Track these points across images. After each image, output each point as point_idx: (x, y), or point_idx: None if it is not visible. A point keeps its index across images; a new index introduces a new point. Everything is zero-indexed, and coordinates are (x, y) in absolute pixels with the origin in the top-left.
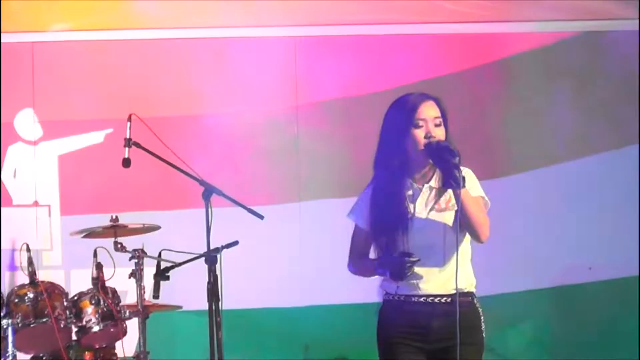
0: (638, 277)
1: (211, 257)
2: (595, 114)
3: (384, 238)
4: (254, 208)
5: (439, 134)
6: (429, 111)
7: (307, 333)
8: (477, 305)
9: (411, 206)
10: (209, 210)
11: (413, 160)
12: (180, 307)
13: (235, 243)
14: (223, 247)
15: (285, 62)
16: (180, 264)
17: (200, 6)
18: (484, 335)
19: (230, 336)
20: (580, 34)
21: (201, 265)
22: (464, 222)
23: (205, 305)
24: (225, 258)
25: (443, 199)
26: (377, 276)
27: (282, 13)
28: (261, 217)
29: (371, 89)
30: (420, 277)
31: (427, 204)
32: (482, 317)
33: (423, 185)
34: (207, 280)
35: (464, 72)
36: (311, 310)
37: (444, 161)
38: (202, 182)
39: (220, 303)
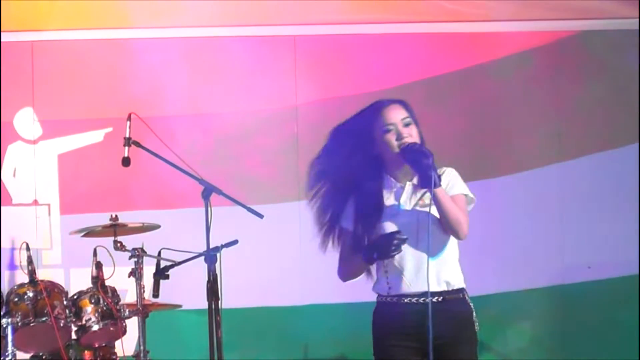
0: (638, 276)
1: (211, 256)
2: (595, 112)
3: (368, 235)
4: (254, 207)
5: (412, 133)
6: (395, 114)
7: (306, 332)
8: (468, 300)
9: (395, 202)
10: (209, 209)
11: (392, 162)
12: (180, 306)
13: (235, 242)
14: (223, 246)
15: (285, 61)
16: (179, 263)
17: (200, 5)
18: (477, 329)
19: (230, 335)
20: (580, 33)
21: (201, 264)
22: (441, 221)
23: (204, 304)
24: (224, 257)
25: (427, 195)
26: (365, 276)
27: (282, 12)
28: (261, 216)
29: (371, 88)
30: (402, 272)
31: (411, 201)
32: (474, 313)
33: (405, 183)
34: (206, 279)
35: (463, 71)
36: (311, 309)
37: (418, 163)
38: (201, 181)
39: (219, 302)
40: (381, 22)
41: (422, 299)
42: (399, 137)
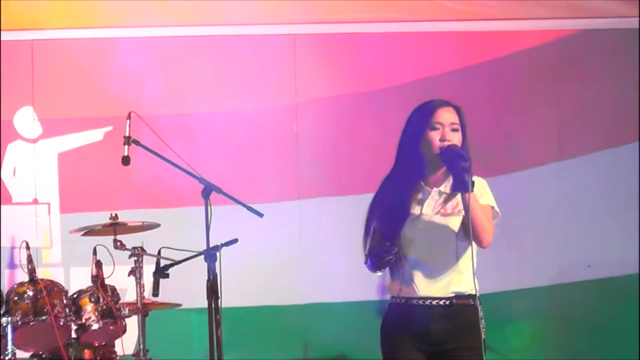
0: (638, 274)
1: (211, 255)
2: (595, 111)
3: (388, 235)
4: (254, 206)
5: (455, 139)
6: (446, 116)
7: (306, 331)
8: (479, 307)
9: (418, 208)
10: (209, 208)
11: (428, 162)
12: (179, 305)
13: (235, 241)
14: (222, 245)
15: (285, 60)
16: (179, 262)
17: (200, 5)
18: (484, 337)
19: (230, 334)
20: (581, 31)
21: (201, 263)
22: (468, 226)
23: (204, 303)
24: (224, 256)
25: (450, 204)
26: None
27: (281, 11)
28: (260, 215)
29: (370, 87)
30: (417, 275)
31: (434, 208)
32: (482, 320)
33: (433, 189)
34: (206, 278)
35: (463, 70)
36: (311, 309)
37: (455, 164)
38: (201, 180)
39: (219, 301)
40: (381, 21)
41: (429, 301)
42: (443, 138)
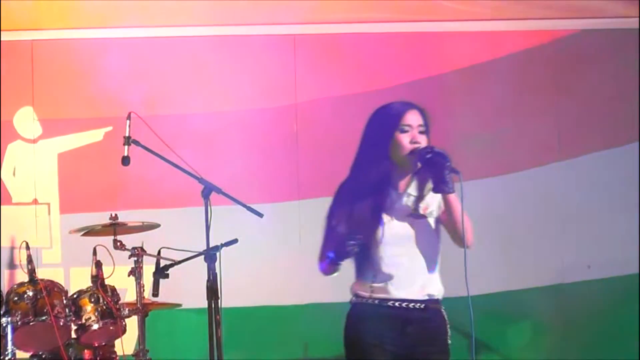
0: (638, 275)
1: (210, 255)
2: (595, 111)
3: (358, 240)
4: (254, 206)
5: (423, 141)
6: (414, 118)
7: (306, 331)
8: (444, 313)
9: (389, 210)
10: (209, 208)
11: (395, 165)
12: (179, 305)
13: (235, 241)
14: (222, 245)
15: (285, 59)
16: (179, 262)
17: (200, 4)
18: (449, 342)
19: (230, 334)
20: (580, 32)
21: (200, 263)
22: (450, 227)
23: (204, 303)
24: (224, 256)
25: (422, 205)
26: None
27: (281, 11)
28: (260, 215)
29: (370, 86)
30: (390, 277)
31: (405, 210)
32: (448, 325)
33: (403, 191)
34: (206, 278)
35: (463, 70)
36: (311, 309)
37: (437, 166)
38: (201, 180)
39: (219, 301)
40: (381, 21)
41: (405, 303)
42: (413, 140)
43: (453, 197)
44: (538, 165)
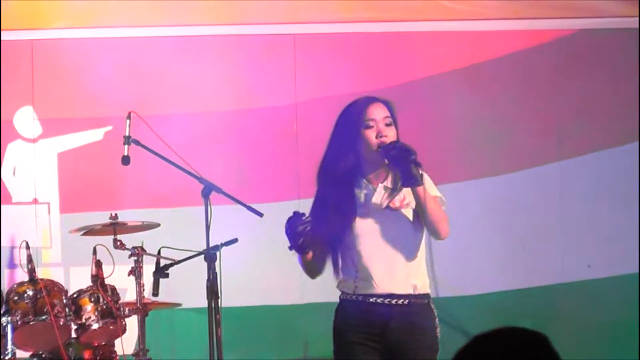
0: (638, 274)
1: (210, 255)
2: (595, 111)
3: (334, 234)
4: (253, 205)
5: (390, 134)
6: (377, 112)
7: (306, 331)
8: (433, 307)
9: (365, 204)
10: (209, 207)
11: (366, 161)
12: (179, 304)
13: (235, 240)
14: (222, 245)
15: (284, 59)
16: (179, 262)
17: (200, 5)
18: (438, 336)
19: (230, 334)
20: (580, 31)
21: (200, 263)
22: (423, 219)
23: (204, 303)
24: (224, 255)
25: (397, 198)
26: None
27: (282, 10)
28: (260, 214)
29: (370, 86)
30: (371, 272)
31: (382, 203)
32: (436, 319)
33: (377, 185)
34: (206, 277)
35: (463, 70)
36: (311, 308)
37: (403, 160)
38: (201, 180)
39: (219, 300)
40: (381, 21)
41: (388, 300)
42: (379, 135)
43: (421, 190)
44: (538, 165)
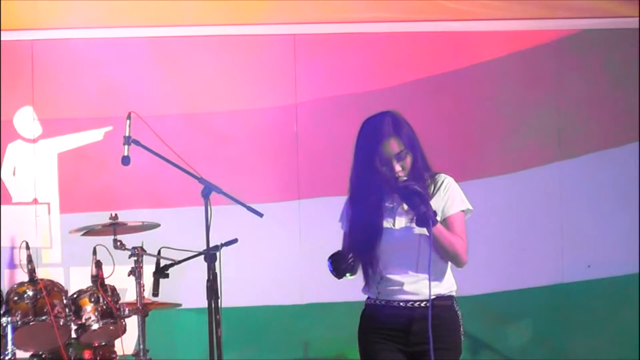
0: (638, 274)
1: (210, 255)
2: (595, 111)
3: (360, 246)
4: (253, 206)
5: (405, 165)
6: (390, 149)
7: (306, 331)
8: (457, 309)
9: (391, 216)
10: (209, 208)
11: (388, 183)
12: (179, 305)
13: (235, 241)
14: (222, 245)
15: (284, 60)
16: (179, 262)
17: (200, 4)
18: (462, 338)
19: (230, 334)
20: (580, 32)
21: (200, 263)
22: (440, 253)
23: (204, 303)
24: (224, 256)
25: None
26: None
27: (281, 11)
28: (260, 214)
29: (371, 87)
30: (396, 283)
31: (406, 216)
32: (461, 322)
33: (402, 203)
34: (206, 278)
35: (464, 70)
36: (311, 308)
37: (413, 203)
38: (201, 180)
39: (219, 301)
40: (381, 21)
41: (411, 303)
42: (393, 175)
43: (436, 230)
44: (538, 165)
